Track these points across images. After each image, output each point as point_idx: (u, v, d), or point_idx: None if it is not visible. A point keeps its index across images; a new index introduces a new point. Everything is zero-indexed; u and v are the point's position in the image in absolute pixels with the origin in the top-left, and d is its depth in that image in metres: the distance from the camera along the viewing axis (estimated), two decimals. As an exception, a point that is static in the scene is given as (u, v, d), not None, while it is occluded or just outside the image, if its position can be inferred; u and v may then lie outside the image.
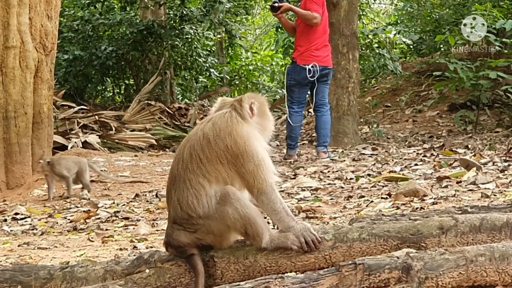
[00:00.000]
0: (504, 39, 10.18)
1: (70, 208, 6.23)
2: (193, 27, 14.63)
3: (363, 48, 13.78)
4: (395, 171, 6.76)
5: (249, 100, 3.07)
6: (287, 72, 8.36)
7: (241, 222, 2.90)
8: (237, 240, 3.07)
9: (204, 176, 2.92)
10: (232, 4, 15.68)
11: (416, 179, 6.14)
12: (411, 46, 15.76)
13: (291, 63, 8.47)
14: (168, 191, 3.04)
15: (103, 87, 15.98)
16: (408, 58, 16.24)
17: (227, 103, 3.11)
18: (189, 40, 14.81)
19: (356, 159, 8.07)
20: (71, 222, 5.61)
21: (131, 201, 6.35)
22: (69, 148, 9.05)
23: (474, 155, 7.30)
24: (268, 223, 4.41)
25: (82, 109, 11.48)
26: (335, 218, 4.80)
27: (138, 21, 14.33)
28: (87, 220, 5.60)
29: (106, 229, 5.17)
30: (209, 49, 16.71)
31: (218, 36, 16.84)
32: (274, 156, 3.23)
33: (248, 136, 2.97)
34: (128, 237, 4.78)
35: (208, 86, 16.79)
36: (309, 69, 8.06)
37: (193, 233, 2.96)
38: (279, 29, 14.01)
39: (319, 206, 5.24)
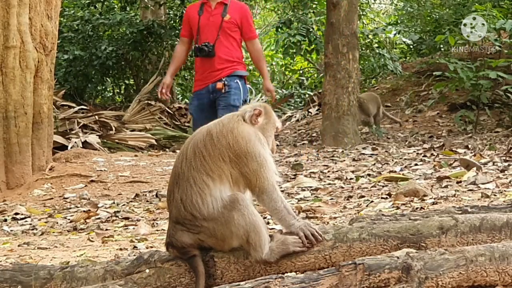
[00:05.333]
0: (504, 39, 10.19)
1: (70, 208, 6.22)
2: (193, 27, 14.61)
3: (363, 48, 13.76)
4: (395, 171, 6.76)
5: (255, 108, 3.10)
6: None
7: (245, 228, 2.90)
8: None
9: (207, 174, 2.93)
10: (232, 4, 15.65)
11: (416, 179, 6.14)
12: (411, 46, 15.74)
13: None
14: (170, 191, 3.03)
15: (103, 87, 15.95)
16: (408, 58, 16.22)
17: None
18: (189, 40, 14.80)
19: (356, 159, 8.07)
20: (71, 222, 5.61)
21: (131, 201, 6.35)
22: (69, 148, 9.04)
23: (474, 155, 7.29)
24: (268, 223, 4.44)
25: (82, 109, 11.46)
26: (335, 218, 4.80)
27: (138, 21, 14.31)
28: (87, 220, 5.60)
29: (106, 229, 5.17)
30: (209, 49, 16.68)
31: (218, 36, 16.82)
32: (274, 156, 3.23)
33: (250, 136, 3.00)
34: (128, 237, 4.78)
35: (208, 86, 16.76)
36: None
37: (196, 234, 2.96)
38: (279, 29, 13.98)
39: (319, 206, 5.24)
